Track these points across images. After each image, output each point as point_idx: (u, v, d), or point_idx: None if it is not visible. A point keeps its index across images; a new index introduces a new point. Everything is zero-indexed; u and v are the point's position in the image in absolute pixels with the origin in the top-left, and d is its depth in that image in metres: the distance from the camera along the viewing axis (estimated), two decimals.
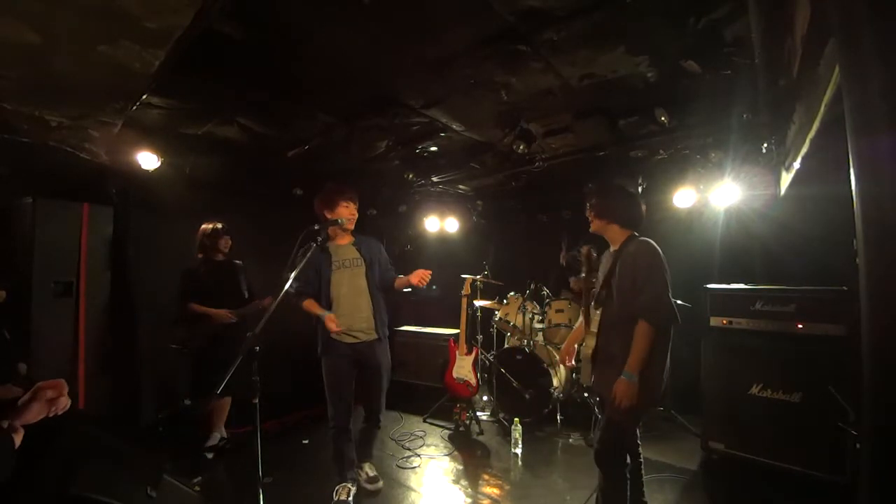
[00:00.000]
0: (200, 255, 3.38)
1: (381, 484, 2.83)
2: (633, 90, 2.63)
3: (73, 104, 2.49)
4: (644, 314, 1.92)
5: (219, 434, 3.38)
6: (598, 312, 2.19)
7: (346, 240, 2.74)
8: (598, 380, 2.14)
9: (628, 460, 2.10)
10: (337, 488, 2.63)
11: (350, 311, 2.63)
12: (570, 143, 3.55)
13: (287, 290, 2.02)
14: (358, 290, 2.66)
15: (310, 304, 2.61)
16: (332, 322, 2.51)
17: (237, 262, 3.53)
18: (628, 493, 2.07)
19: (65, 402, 1.22)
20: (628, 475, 2.07)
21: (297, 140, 3.45)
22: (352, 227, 2.69)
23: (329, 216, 2.61)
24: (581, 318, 2.38)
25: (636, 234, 2.15)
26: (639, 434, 2.24)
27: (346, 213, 2.63)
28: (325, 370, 2.63)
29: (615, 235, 2.17)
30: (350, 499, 2.63)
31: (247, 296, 3.46)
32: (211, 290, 3.28)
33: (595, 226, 2.21)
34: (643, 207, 2.18)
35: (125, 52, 1.90)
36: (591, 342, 2.19)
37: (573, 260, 4.09)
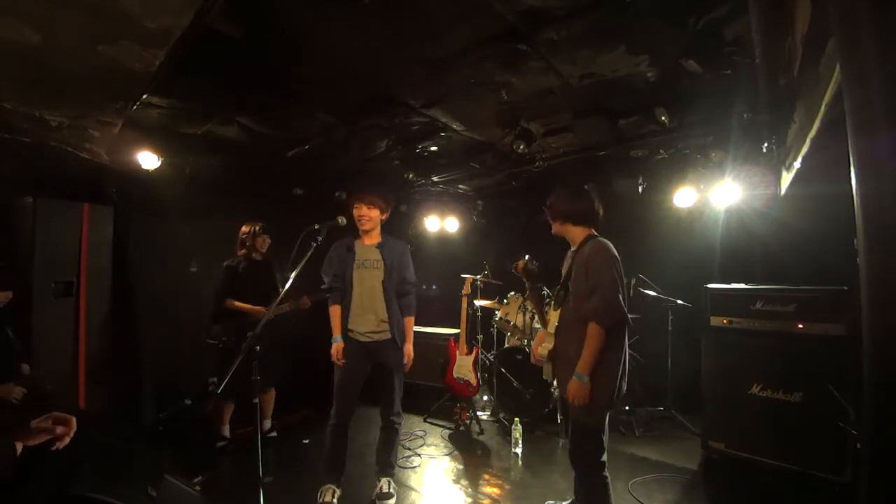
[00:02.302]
0: (242, 252, 3.46)
1: (391, 502, 2.67)
2: (633, 90, 2.63)
3: (73, 104, 2.49)
4: (593, 315, 1.94)
5: (269, 421, 3.57)
6: (556, 313, 2.20)
7: (372, 240, 2.75)
8: (560, 381, 2.14)
9: (604, 459, 2.07)
10: (322, 489, 2.61)
11: (364, 311, 2.65)
12: (570, 142, 3.55)
13: (326, 285, 2.34)
14: (374, 290, 2.67)
15: (334, 315, 2.68)
16: (336, 352, 2.60)
17: (272, 262, 3.59)
18: (609, 494, 2.06)
19: (66, 442, 1.25)
20: (607, 475, 2.06)
21: (297, 140, 3.45)
22: (368, 227, 2.68)
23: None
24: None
25: (594, 232, 2.16)
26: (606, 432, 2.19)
27: (355, 213, 2.66)
28: (336, 366, 2.65)
29: (574, 235, 2.18)
30: (335, 500, 2.59)
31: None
32: (249, 289, 3.34)
33: (555, 228, 2.23)
34: (596, 203, 2.17)
35: (125, 52, 1.91)
36: (549, 343, 2.20)
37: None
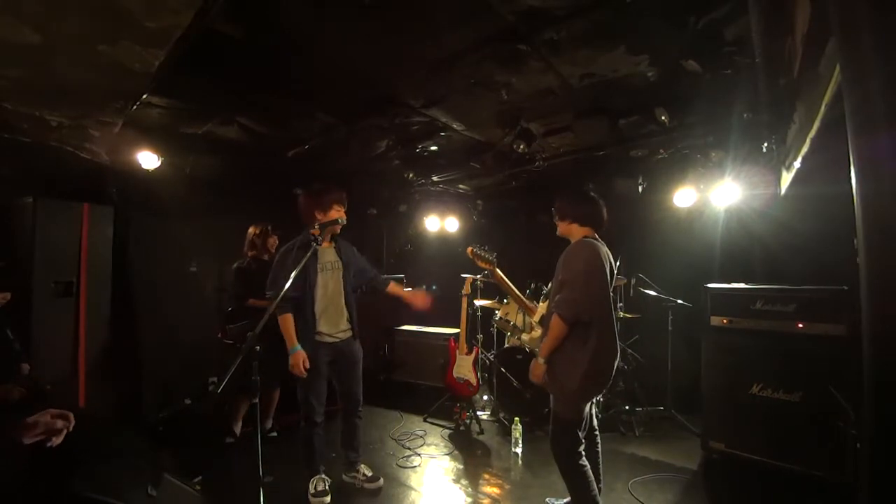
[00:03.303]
0: (251, 254, 3.47)
1: (381, 482, 2.84)
2: (634, 90, 2.63)
3: (73, 104, 2.50)
4: (555, 307, 2.09)
5: (270, 421, 3.60)
6: (544, 305, 2.37)
7: (327, 243, 2.75)
8: None
9: (581, 450, 2.18)
10: (313, 480, 2.69)
11: (332, 313, 2.70)
12: (571, 142, 3.55)
13: (287, 293, 2.05)
14: (337, 292, 2.73)
15: (286, 323, 2.54)
16: (299, 362, 2.49)
17: None
18: (589, 480, 2.17)
19: (61, 438, 1.24)
20: (584, 463, 2.17)
21: (297, 140, 3.45)
22: (338, 230, 2.70)
23: (322, 218, 2.61)
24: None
25: (590, 235, 2.25)
26: (596, 416, 2.43)
27: (337, 215, 2.63)
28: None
29: (573, 235, 2.29)
30: (327, 487, 2.69)
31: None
32: (258, 289, 3.30)
33: (560, 229, 2.35)
34: (601, 206, 2.30)
35: (125, 52, 1.91)
36: (536, 332, 2.39)
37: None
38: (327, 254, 2.73)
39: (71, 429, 1.25)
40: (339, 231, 2.71)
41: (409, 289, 2.92)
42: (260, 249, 3.47)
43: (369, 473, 2.86)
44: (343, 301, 2.74)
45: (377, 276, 2.99)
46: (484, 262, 2.62)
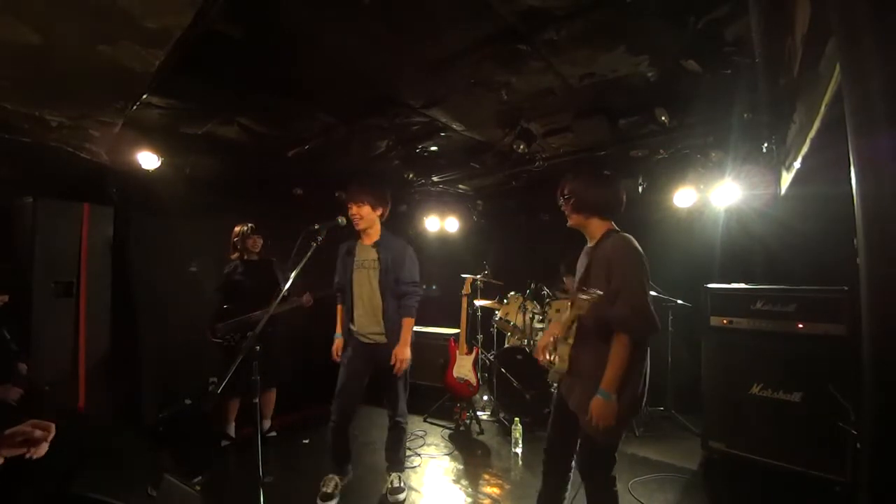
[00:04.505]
0: (235, 256, 3.46)
1: (402, 496, 2.72)
2: (634, 90, 2.63)
3: (73, 104, 2.50)
4: (622, 325, 1.69)
5: (269, 421, 3.59)
6: (557, 323, 2.00)
7: (370, 239, 2.74)
8: (568, 391, 1.93)
9: (614, 473, 1.90)
10: (324, 479, 2.70)
11: (365, 312, 2.70)
12: (571, 142, 3.55)
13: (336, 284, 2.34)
14: (372, 291, 2.69)
15: (338, 313, 2.87)
16: (335, 349, 2.82)
17: (272, 259, 3.58)
18: None
19: (43, 450, 1.16)
20: (616, 489, 1.90)
21: (297, 140, 3.45)
22: (363, 226, 2.65)
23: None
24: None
25: (615, 226, 1.92)
26: None
27: (350, 213, 2.65)
28: (340, 364, 2.74)
29: (595, 229, 1.92)
30: (336, 491, 2.67)
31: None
32: (249, 291, 3.31)
33: (573, 220, 1.96)
34: (622, 193, 1.92)
35: (125, 52, 1.90)
36: (563, 364, 1.93)
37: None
38: (367, 252, 2.73)
39: (49, 439, 1.18)
40: (360, 229, 2.68)
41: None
42: (242, 251, 3.45)
43: (396, 484, 2.75)
44: (376, 303, 2.67)
45: (406, 294, 2.73)
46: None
